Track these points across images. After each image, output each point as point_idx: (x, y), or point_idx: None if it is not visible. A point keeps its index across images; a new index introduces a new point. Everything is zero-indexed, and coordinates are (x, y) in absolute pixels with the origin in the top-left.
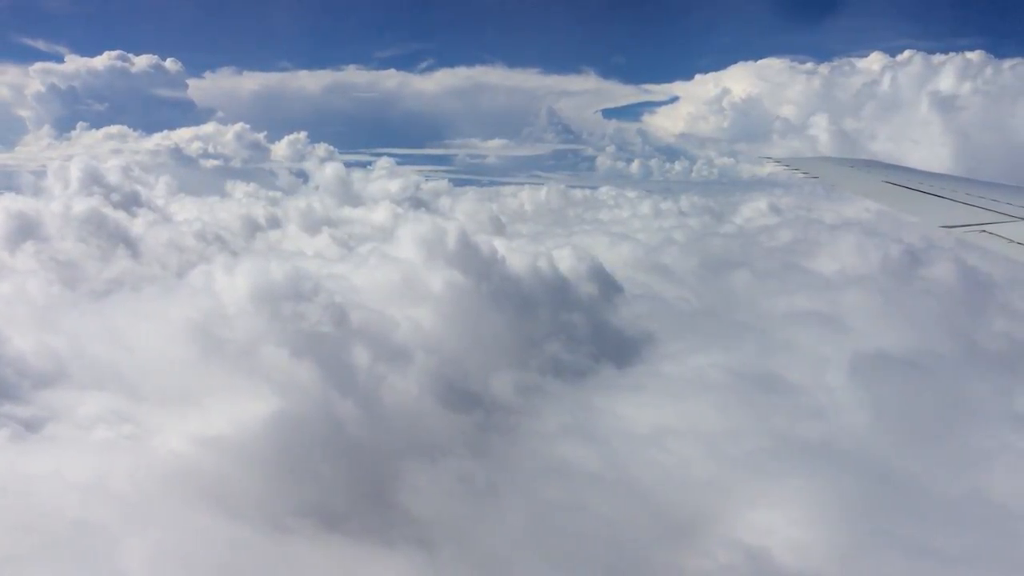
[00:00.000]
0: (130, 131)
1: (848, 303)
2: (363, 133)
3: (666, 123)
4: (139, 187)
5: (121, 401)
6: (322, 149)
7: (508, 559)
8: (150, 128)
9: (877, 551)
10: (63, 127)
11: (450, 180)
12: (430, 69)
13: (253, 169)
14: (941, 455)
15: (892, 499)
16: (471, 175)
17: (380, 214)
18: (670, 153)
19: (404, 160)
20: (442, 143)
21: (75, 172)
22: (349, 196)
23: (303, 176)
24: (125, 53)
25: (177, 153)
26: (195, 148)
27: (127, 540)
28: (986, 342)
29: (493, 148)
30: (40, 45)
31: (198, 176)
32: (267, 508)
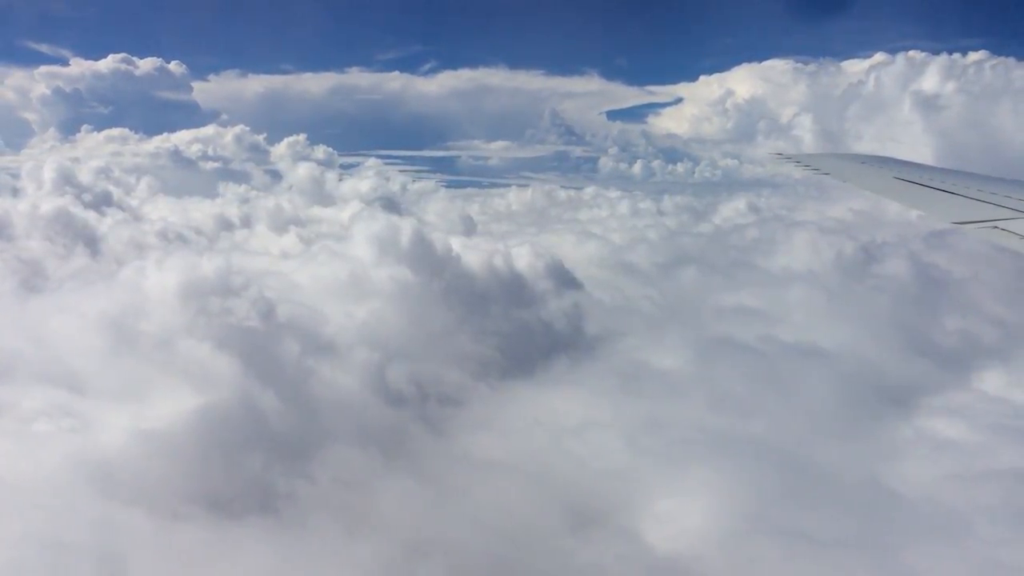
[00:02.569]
0: (131, 133)
1: (801, 301)
2: (366, 135)
3: (670, 124)
4: (112, 187)
5: (66, 396)
6: (321, 151)
7: (396, 547)
8: (156, 130)
9: (755, 536)
10: (68, 130)
11: (450, 182)
12: (433, 71)
13: (252, 171)
14: (856, 446)
15: (792, 488)
16: (473, 177)
17: (349, 214)
18: (674, 154)
19: (407, 162)
20: (445, 145)
21: (48, 173)
22: (322, 196)
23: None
24: (130, 56)
25: (176, 155)
26: (195, 150)
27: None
28: (927, 339)
29: (496, 150)
30: (45, 48)
31: (197, 178)
32: (174, 497)
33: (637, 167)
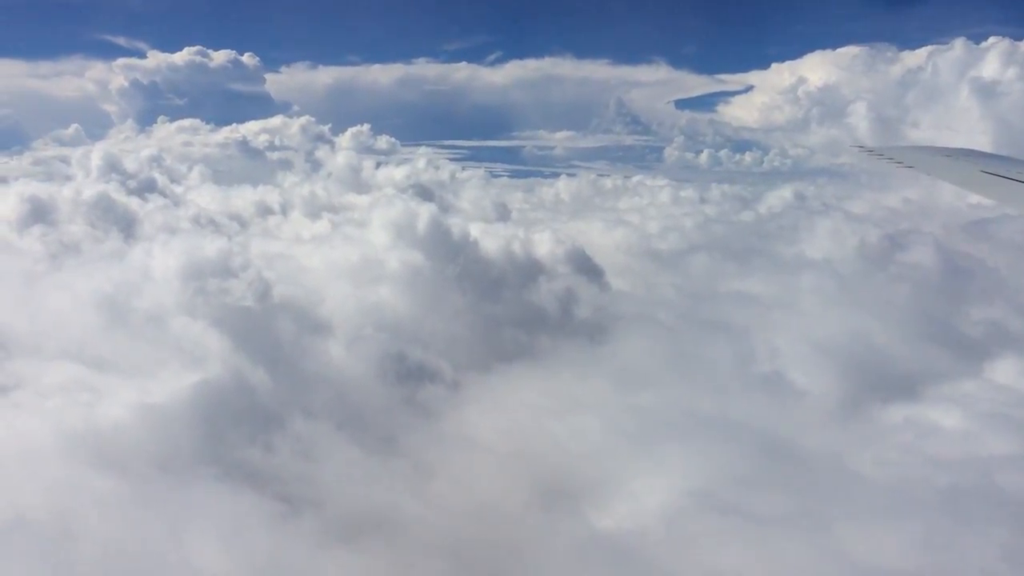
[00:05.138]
0: (202, 124)
1: (821, 288)
2: (432, 125)
3: (740, 113)
4: (158, 175)
5: (85, 371)
6: (384, 141)
7: (362, 521)
8: (230, 121)
9: (705, 514)
10: (145, 121)
11: (514, 172)
12: (499, 61)
13: (316, 160)
14: (840, 431)
15: (761, 470)
16: (537, 166)
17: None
18: (744, 144)
19: (471, 152)
20: (510, 135)
21: (95, 161)
22: (358, 183)
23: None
24: (204, 49)
25: (244, 145)
26: (262, 140)
27: None
28: (947, 328)
29: (560, 140)
30: (123, 42)
31: (263, 167)
32: (152, 465)
33: (704, 156)
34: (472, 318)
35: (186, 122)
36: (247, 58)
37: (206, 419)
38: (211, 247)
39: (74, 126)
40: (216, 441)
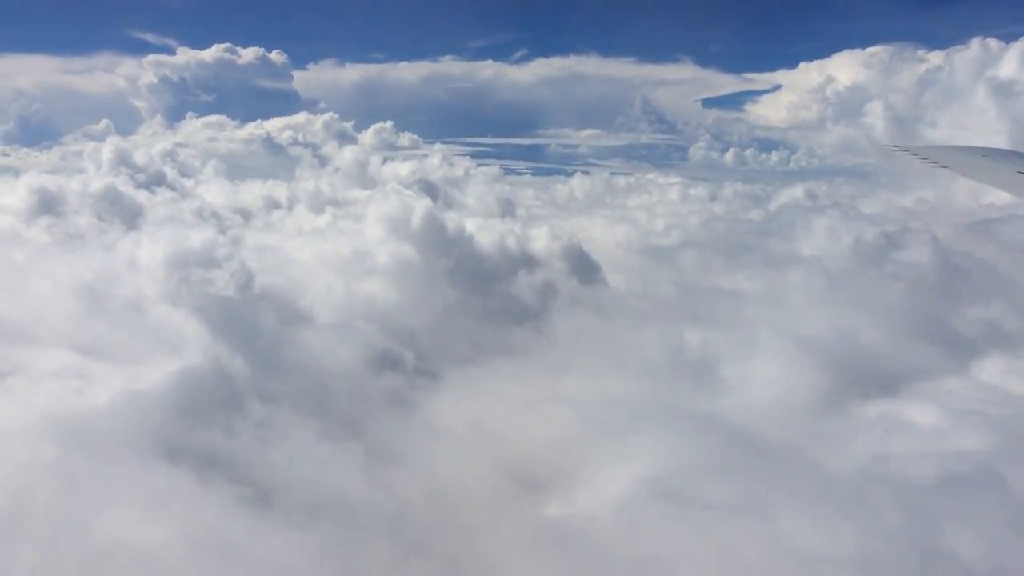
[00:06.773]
0: (228, 120)
1: (806, 287)
2: (458, 123)
3: (768, 112)
4: (168, 169)
5: (78, 358)
6: (406, 138)
7: (326, 506)
8: (256, 118)
9: (656, 502)
10: (174, 117)
11: (537, 170)
12: (525, 59)
13: (325, 156)
14: (809, 424)
15: (721, 460)
16: (560, 164)
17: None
18: (771, 143)
19: (496, 149)
20: (535, 133)
21: (106, 154)
22: (364, 179)
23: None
24: (233, 46)
25: (268, 141)
26: (286, 137)
27: None
28: (939, 327)
29: (585, 138)
30: (152, 39)
31: (285, 162)
32: (134, 451)
33: (729, 156)
34: (459, 311)
35: (213, 118)
36: (275, 55)
37: (183, 405)
38: (197, 238)
39: (104, 121)
40: (189, 427)
